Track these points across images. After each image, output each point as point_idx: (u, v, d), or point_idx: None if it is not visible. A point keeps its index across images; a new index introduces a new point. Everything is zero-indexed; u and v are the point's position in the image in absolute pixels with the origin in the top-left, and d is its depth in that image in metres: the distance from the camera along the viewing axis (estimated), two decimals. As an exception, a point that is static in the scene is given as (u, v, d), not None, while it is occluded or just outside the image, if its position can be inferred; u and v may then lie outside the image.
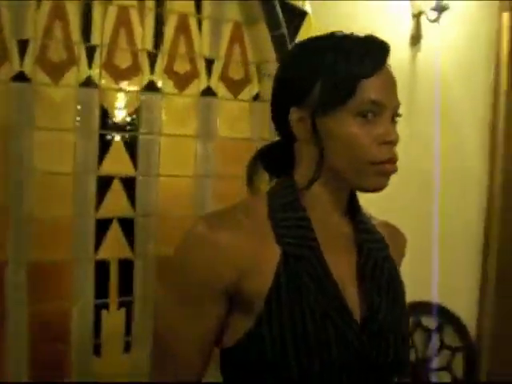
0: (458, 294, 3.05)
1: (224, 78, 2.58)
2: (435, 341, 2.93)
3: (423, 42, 2.81)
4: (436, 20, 2.74)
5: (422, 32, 2.80)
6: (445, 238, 2.90)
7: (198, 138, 2.55)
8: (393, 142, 1.09)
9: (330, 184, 1.15)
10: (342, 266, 1.15)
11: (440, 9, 2.71)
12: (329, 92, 1.08)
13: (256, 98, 2.67)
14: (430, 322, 2.93)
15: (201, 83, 2.53)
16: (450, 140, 2.97)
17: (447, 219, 2.95)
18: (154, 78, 2.42)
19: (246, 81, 2.64)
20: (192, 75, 2.51)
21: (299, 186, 1.15)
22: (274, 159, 1.25)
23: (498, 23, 3.03)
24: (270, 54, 2.56)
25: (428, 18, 2.75)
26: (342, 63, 1.08)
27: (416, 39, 2.80)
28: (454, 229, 3.01)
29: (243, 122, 2.65)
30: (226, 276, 1.07)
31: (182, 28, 2.46)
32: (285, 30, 2.47)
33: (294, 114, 1.13)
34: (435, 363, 2.93)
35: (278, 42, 2.50)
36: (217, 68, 2.56)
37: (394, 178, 1.16)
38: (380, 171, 1.09)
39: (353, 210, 1.23)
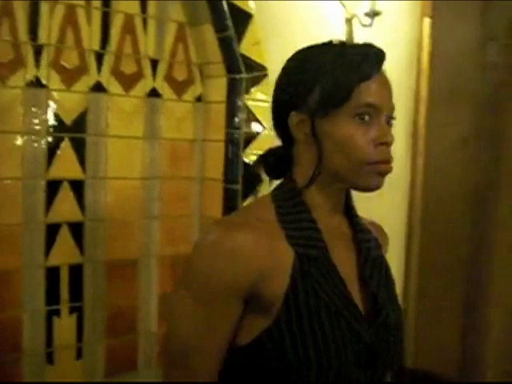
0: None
1: (168, 78, 2.58)
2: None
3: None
4: (369, 25, 2.86)
5: (354, 36, 2.91)
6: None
7: (144, 139, 2.53)
8: (388, 144, 1.15)
9: (328, 185, 1.19)
10: (345, 265, 1.20)
11: (373, 14, 2.83)
12: (327, 95, 1.13)
13: (199, 99, 2.68)
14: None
15: (146, 84, 2.52)
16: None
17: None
18: (101, 78, 2.38)
19: (189, 82, 2.64)
20: (138, 76, 2.49)
21: (299, 186, 1.19)
22: (276, 163, 1.28)
23: (419, 29, 3.20)
24: (215, 56, 2.58)
25: (361, 23, 2.87)
26: (340, 68, 1.13)
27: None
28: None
29: (187, 123, 2.66)
30: (247, 279, 1.09)
31: (128, 28, 2.44)
32: (232, 32, 2.49)
33: (294, 118, 1.17)
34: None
35: (225, 44, 2.52)
36: (161, 69, 2.55)
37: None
38: (375, 171, 1.14)
39: (348, 210, 1.29)
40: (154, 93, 2.54)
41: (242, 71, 2.55)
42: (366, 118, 1.12)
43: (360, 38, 2.94)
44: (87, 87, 2.35)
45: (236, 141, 2.58)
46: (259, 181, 2.64)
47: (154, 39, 2.52)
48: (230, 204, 2.61)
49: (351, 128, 1.12)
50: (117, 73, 2.42)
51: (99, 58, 2.37)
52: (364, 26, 2.88)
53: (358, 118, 1.12)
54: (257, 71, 2.58)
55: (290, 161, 1.23)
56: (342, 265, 1.19)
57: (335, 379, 1.09)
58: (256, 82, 2.59)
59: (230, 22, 2.48)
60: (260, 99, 2.61)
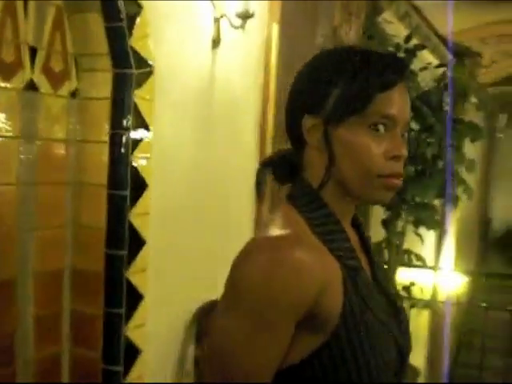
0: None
1: (46, 70, 2.26)
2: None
3: (224, 45, 2.86)
4: (241, 26, 2.82)
5: (222, 35, 2.84)
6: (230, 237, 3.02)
7: (19, 139, 2.19)
8: (401, 157, 1.13)
9: (337, 196, 1.15)
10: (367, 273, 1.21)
11: (244, 15, 2.79)
12: (345, 101, 1.10)
13: (74, 94, 2.39)
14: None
15: (25, 75, 2.18)
16: (233, 139, 3.10)
17: (233, 217, 3.08)
18: (-20, 66, 2.01)
19: (66, 75, 2.35)
20: (17, 65, 2.14)
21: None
22: (285, 167, 1.23)
23: (268, 33, 3.24)
24: (99, 47, 2.33)
25: (230, 24, 2.81)
26: (361, 75, 1.11)
27: (217, 42, 2.83)
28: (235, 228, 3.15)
29: (63, 120, 2.36)
30: (310, 297, 1.02)
31: (9, 10, 2.08)
32: (124, 23, 2.27)
33: (308, 121, 1.13)
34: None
35: (115, 35, 2.29)
36: (40, 59, 2.23)
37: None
38: (386, 185, 1.12)
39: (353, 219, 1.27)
40: (31, 85, 2.21)
41: (131, 66, 2.34)
42: (381, 128, 1.10)
43: (229, 38, 2.90)
44: (-36, 76, 1.96)
45: (124, 142, 2.36)
46: (145, 186, 2.45)
47: (33, 24, 2.19)
48: (115, 212, 2.37)
49: (365, 138, 1.10)
50: (-5, 61, 2.06)
51: (-22, 41, 1.99)
52: (235, 27, 2.83)
53: (373, 128, 1.10)
54: (144, 67, 2.39)
55: (299, 165, 1.19)
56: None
57: (384, 380, 1.09)
58: (142, 78, 2.40)
59: (123, 12, 2.25)
60: (146, 98, 2.42)
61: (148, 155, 2.45)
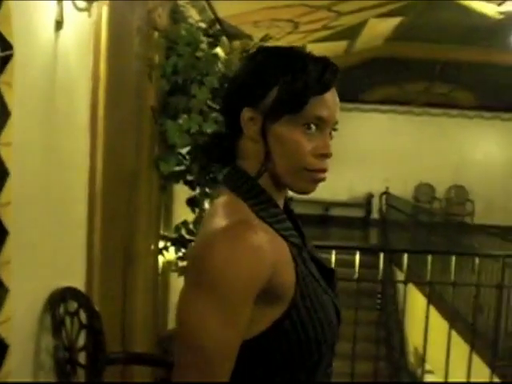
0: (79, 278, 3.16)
1: None
2: (76, 323, 2.99)
3: (67, 27, 2.77)
4: (86, 9, 2.76)
5: (65, 18, 2.75)
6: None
7: None
8: (327, 155, 1.29)
9: (273, 183, 1.29)
10: None
11: (89, -1, 2.75)
12: (285, 100, 1.23)
13: None
14: (72, 305, 2.97)
15: None
16: (71, 123, 3.03)
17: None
18: None
19: None
20: None
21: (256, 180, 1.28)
22: (218, 148, 1.33)
23: (98, 14, 3.19)
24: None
25: (75, 6, 2.74)
26: (300, 78, 1.24)
27: (60, 24, 2.74)
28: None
29: None
30: (266, 274, 1.16)
31: None
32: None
33: (247, 114, 1.25)
34: (80, 343, 3.00)
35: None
36: None
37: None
38: (312, 178, 1.28)
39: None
40: None
41: (-6, 48, 2.20)
42: (313, 128, 1.25)
43: (72, 20, 2.83)
44: None
45: (-12, 130, 2.22)
46: (7, 174, 2.34)
47: None
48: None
49: (299, 135, 1.24)
50: None
51: None
52: (80, 9, 2.77)
53: (305, 126, 1.24)
54: (7, 49, 2.26)
55: (234, 151, 1.31)
56: None
57: (331, 341, 1.28)
58: (3, 62, 2.27)
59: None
60: (7, 82, 2.30)
61: (10, 141, 2.34)
